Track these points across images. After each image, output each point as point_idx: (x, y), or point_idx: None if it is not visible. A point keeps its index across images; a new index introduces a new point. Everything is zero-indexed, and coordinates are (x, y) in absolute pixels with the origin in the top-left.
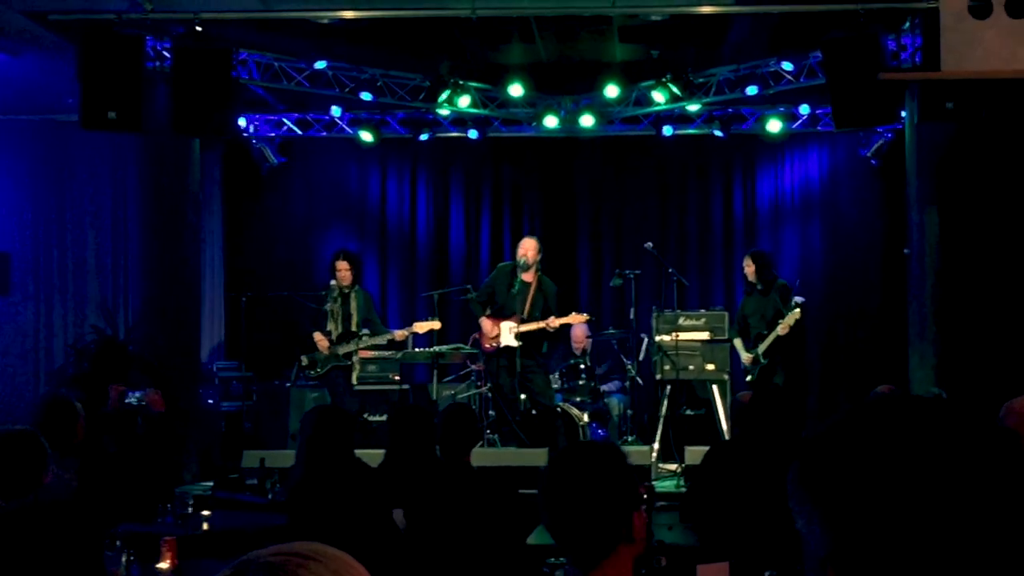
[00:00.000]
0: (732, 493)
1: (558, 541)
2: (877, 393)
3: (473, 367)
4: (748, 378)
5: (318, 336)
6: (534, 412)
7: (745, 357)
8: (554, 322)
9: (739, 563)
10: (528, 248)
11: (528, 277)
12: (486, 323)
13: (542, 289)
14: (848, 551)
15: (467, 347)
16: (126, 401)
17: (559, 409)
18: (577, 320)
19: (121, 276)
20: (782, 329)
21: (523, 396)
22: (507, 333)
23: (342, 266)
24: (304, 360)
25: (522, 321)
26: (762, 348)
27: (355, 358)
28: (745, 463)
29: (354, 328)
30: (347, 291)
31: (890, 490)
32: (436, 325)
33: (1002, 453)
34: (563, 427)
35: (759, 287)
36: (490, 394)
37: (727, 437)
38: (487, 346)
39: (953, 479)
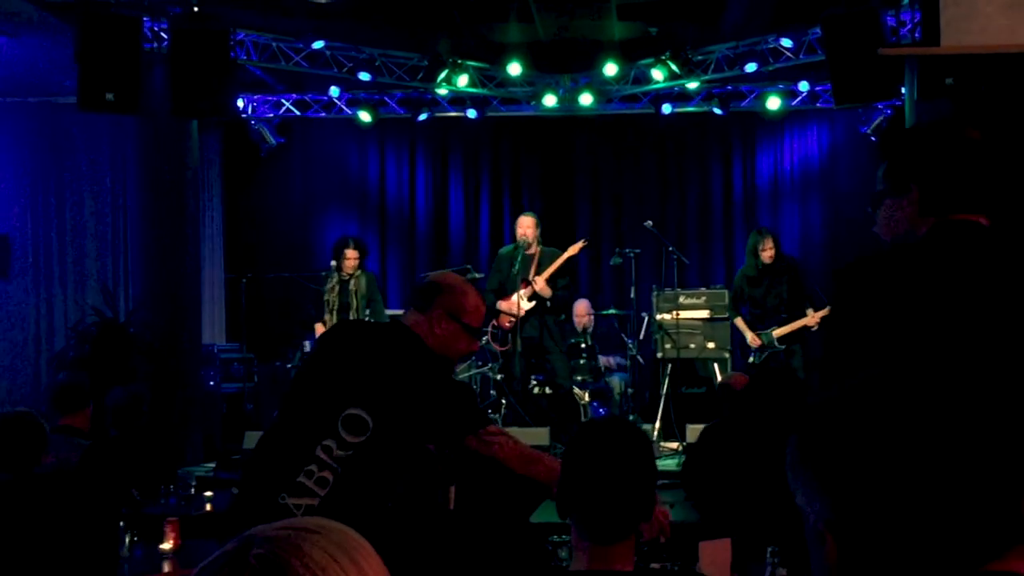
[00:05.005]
0: (730, 471)
1: (582, 513)
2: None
3: (493, 345)
4: (751, 359)
5: (319, 329)
6: (548, 391)
7: (752, 339)
8: (554, 267)
9: (741, 539)
10: (527, 227)
11: (531, 251)
12: (501, 304)
13: (544, 256)
14: (847, 521)
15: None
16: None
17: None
18: (575, 249)
19: (121, 258)
20: (812, 320)
21: (536, 378)
22: (522, 301)
23: (351, 255)
24: (308, 348)
25: (530, 283)
26: (779, 332)
27: None
28: (741, 442)
29: (352, 317)
30: (348, 278)
31: (887, 462)
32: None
33: (993, 425)
34: (573, 407)
35: (771, 266)
36: (497, 376)
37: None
38: (507, 324)
39: (946, 451)
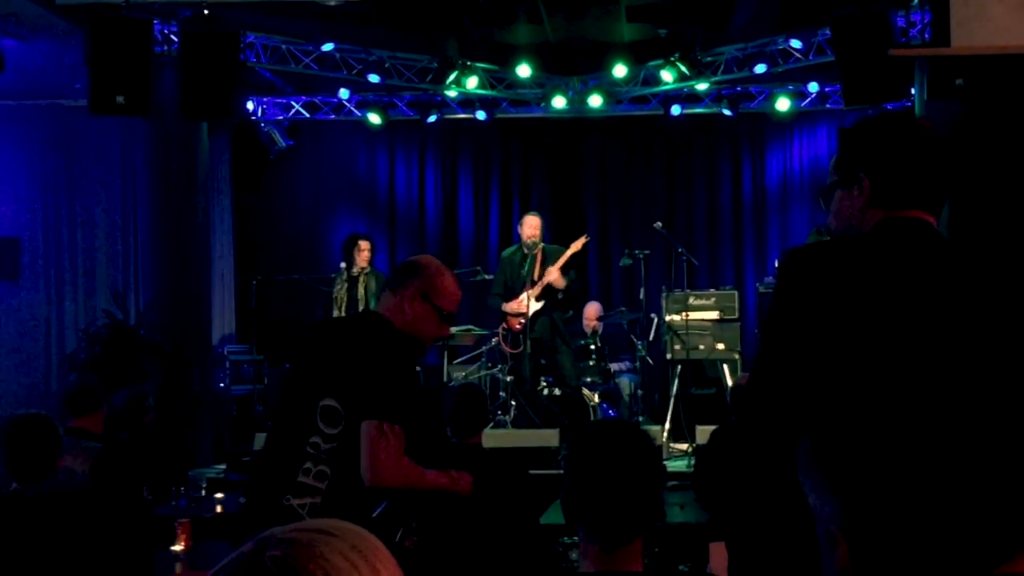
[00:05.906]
0: (739, 473)
1: (588, 522)
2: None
3: (504, 348)
4: None
5: None
6: (557, 392)
7: None
8: (563, 260)
9: (749, 543)
10: (536, 227)
11: (535, 251)
12: (510, 306)
13: (547, 254)
14: (859, 524)
15: (478, 329)
16: None
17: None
18: (578, 245)
19: (131, 261)
20: None
21: (546, 380)
22: (529, 301)
23: (364, 246)
24: None
25: (535, 284)
26: None
27: None
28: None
29: None
30: (357, 275)
31: (899, 464)
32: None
33: (1005, 426)
34: (582, 409)
35: None
36: (508, 377)
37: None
38: (516, 326)
39: (959, 452)
